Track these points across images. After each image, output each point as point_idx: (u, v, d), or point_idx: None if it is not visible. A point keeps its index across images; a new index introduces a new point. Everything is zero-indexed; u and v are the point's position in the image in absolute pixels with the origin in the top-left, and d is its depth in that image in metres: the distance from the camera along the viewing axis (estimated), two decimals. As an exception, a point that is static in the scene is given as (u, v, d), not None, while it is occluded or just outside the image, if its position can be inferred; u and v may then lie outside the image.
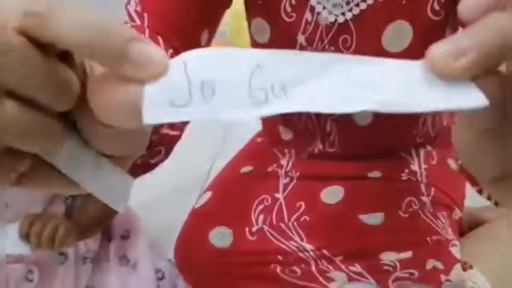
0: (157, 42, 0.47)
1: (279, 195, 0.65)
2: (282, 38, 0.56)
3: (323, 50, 0.55)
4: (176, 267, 0.64)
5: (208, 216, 0.64)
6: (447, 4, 0.52)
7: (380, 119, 0.59)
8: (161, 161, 0.45)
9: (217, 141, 1.21)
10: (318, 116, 0.62)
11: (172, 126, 0.45)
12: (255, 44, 0.61)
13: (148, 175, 0.44)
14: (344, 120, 0.61)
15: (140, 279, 0.63)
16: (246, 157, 0.75)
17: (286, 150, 0.71)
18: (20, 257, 0.61)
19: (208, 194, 0.67)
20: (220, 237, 0.60)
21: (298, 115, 0.63)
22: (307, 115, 0.62)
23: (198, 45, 0.54)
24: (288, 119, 0.66)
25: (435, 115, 0.66)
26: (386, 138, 0.62)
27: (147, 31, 0.46)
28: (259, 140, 0.78)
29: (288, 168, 0.68)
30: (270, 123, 0.72)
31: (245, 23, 0.62)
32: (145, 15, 0.46)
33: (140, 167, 0.43)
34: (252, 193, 0.65)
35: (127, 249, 0.68)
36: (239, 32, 1.46)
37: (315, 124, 0.63)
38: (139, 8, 0.47)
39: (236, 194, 0.66)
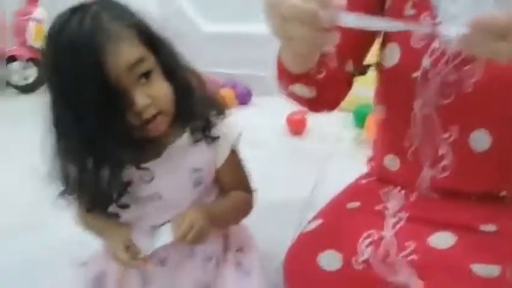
0: None
1: (387, 233, 0.67)
2: (409, 59, 0.63)
3: (446, 74, 0.60)
4: (285, 284, 0.68)
5: (319, 240, 0.68)
6: None
7: (497, 147, 0.60)
8: (320, 82, 0.61)
9: (311, 180, 1.27)
10: (434, 136, 0.65)
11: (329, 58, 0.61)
12: (382, 71, 0.69)
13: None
14: (460, 144, 0.63)
15: (253, 284, 0.69)
16: (351, 195, 0.78)
17: (394, 192, 0.73)
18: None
19: (318, 221, 0.72)
20: (330, 260, 0.64)
21: (411, 135, 0.67)
22: (421, 135, 0.66)
23: (342, 71, 0.67)
24: (399, 143, 0.69)
25: None
26: (501, 170, 0.63)
27: None
28: (364, 181, 0.81)
29: (396, 209, 0.70)
30: (378, 153, 0.76)
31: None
32: None
33: (310, 78, 0.60)
34: (359, 226, 0.68)
35: (242, 259, 0.74)
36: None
37: (429, 146, 0.65)
38: None
39: (344, 224, 0.70)
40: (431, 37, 0.60)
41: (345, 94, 0.73)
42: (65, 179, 0.63)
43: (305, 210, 1.09)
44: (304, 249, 0.68)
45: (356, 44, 0.68)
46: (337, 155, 1.45)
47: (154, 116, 0.61)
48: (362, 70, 1.67)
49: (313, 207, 0.81)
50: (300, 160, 1.39)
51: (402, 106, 0.67)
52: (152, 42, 0.62)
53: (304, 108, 0.71)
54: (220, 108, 0.71)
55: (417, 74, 0.62)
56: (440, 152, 0.65)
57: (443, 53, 0.60)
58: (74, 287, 0.65)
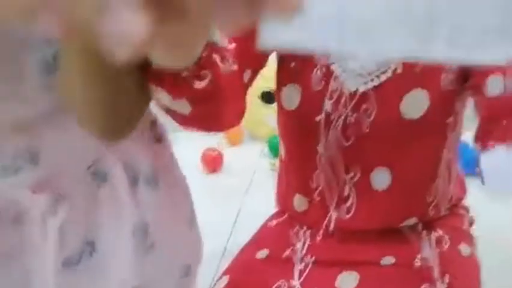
0: None
1: (295, 282, 0.65)
2: (310, 103, 0.62)
3: (346, 116, 0.60)
4: None
5: (226, 302, 0.64)
6: (459, 79, 0.58)
7: (397, 183, 0.62)
8: (206, 91, 0.43)
9: (231, 219, 1.24)
10: (338, 178, 0.65)
11: (222, 57, 0.45)
12: (282, 113, 0.67)
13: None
14: (363, 184, 0.64)
15: None
16: (260, 241, 0.76)
17: (301, 233, 0.72)
18: None
19: (226, 279, 0.68)
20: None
21: (317, 177, 0.66)
22: (326, 177, 0.65)
23: (240, 79, 0.57)
24: (306, 185, 0.68)
25: (445, 179, 0.67)
26: (401, 205, 0.65)
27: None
28: (274, 222, 0.80)
29: (303, 253, 0.69)
30: (284, 192, 0.75)
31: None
32: None
33: (185, 89, 0.42)
34: (268, 279, 0.66)
35: None
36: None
37: (334, 187, 0.65)
38: None
39: (253, 280, 0.67)
40: (328, 77, 0.61)
41: (242, 110, 0.57)
42: None
43: (224, 256, 1.06)
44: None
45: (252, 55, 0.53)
46: (255, 188, 1.44)
47: None
48: (270, 99, 1.67)
49: (232, 251, 0.77)
50: (217, 199, 1.37)
51: (306, 148, 0.66)
52: None
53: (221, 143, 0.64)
54: None
55: (319, 117, 0.62)
56: (345, 193, 0.66)
57: (341, 95, 0.60)
58: None
